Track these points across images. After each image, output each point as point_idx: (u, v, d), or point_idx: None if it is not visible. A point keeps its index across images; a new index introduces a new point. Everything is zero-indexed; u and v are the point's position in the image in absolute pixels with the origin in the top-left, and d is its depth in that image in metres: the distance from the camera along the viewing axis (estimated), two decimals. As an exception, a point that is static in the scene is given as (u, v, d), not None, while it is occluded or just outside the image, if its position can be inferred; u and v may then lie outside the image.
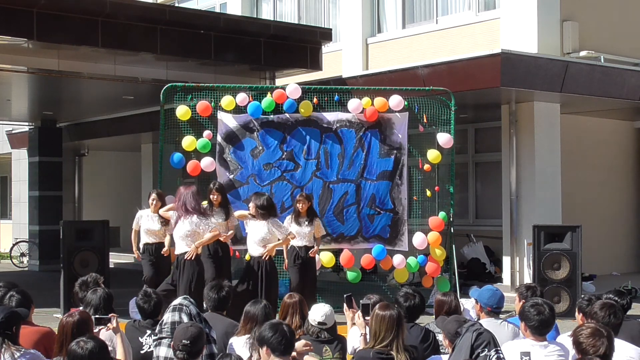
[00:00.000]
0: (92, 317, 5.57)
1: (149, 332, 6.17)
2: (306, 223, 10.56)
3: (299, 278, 10.53)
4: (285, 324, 5.10)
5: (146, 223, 10.51)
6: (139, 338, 6.19)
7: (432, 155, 11.99)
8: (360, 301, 6.03)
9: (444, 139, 12.01)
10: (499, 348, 5.09)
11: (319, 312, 5.90)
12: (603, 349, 4.65)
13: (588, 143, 15.94)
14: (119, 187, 22.64)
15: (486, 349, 5.01)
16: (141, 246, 10.56)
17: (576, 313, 6.23)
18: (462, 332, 5.17)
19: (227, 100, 11.68)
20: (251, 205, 10.02)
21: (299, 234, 10.45)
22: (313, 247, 10.66)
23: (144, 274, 10.53)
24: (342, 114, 11.96)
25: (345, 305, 6.18)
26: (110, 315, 5.79)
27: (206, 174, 11.64)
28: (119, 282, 12.16)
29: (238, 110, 11.77)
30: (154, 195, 10.61)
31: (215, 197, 10.23)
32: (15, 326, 5.19)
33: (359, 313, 5.93)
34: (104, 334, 5.69)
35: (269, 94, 11.80)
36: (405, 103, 11.97)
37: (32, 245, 19.94)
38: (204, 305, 7.06)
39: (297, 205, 10.64)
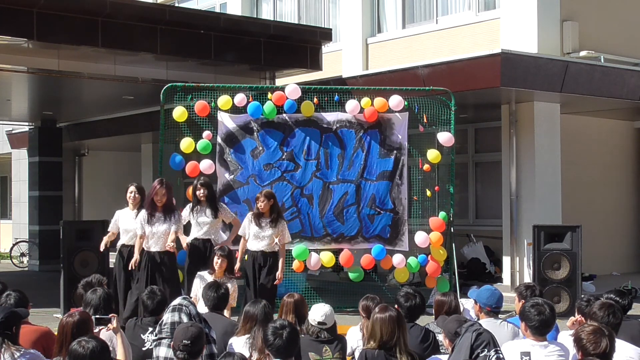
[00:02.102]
0: (92, 317, 5.57)
1: (151, 329, 6.18)
2: (268, 225, 9.63)
3: (251, 286, 9.62)
4: (289, 325, 5.07)
5: (125, 222, 9.68)
6: (141, 335, 6.21)
7: (432, 155, 11.98)
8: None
9: (445, 137, 12.00)
10: (498, 348, 5.10)
11: (318, 312, 5.90)
12: (603, 347, 4.65)
13: (588, 143, 15.94)
14: (119, 187, 22.53)
15: (486, 349, 5.01)
16: (117, 246, 9.77)
17: (575, 314, 6.23)
18: (462, 332, 5.17)
19: (223, 100, 11.62)
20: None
21: (257, 236, 9.61)
22: (274, 252, 9.66)
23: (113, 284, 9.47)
24: (342, 114, 11.95)
25: None
26: (110, 315, 5.80)
27: (206, 173, 11.62)
28: (119, 282, 12.13)
29: (236, 110, 11.75)
30: (132, 188, 9.71)
31: (202, 192, 9.86)
32: (15, 326, 5.19)
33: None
34: (104, 334, 5.70)
35: (269, 95, 11.78)
36: (405, 103, 11.96)
37: (32, 245, 19.94)
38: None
39: (257, 203, 9.66)
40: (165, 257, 9.27)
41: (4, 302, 6.11)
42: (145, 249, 9.28)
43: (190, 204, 10.16)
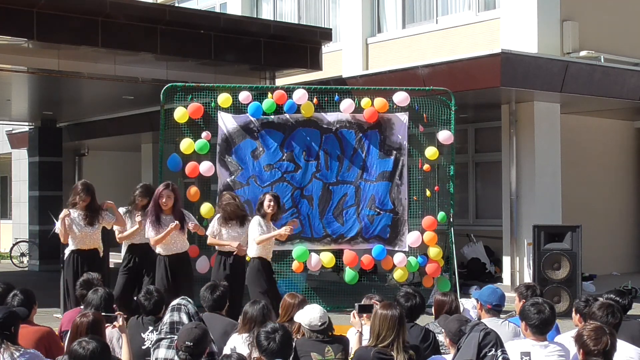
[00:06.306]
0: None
1: (151, 328, 6.19)
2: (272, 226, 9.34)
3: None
4: (282, 328, 5.08)
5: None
6: (141, 334, 6.21)
7: (430, 152, 11.97)
8: (356, 303, 6.08)
9: (444, 135, 12.01)
10: (504, 348, 5.07)
11: (315, 315, 5.80)
12: (604, 344, 4.65)
13: (588, 143, 15.94)
14: (119, 187, 22.56)
15: (493, 349, 4.99)
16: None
17: (573, 314, 6.24)
18: (467, 332, 5.15)
19: (223, 98, 11.62)
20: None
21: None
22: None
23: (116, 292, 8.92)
24: (342, 115, 11.95)
25: (355, 312, 6.08)
26: (116, 313, 5.81)
27: (205, 175, 11.61)
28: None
29: (237, 108, 11.74)
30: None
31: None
32: (13, 326, 5.19)
33: (354, 312, 5.98)
34: (109, 331, 5.72)
35: (269, 95, 11.79)
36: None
37: (32, 245, 19.94)
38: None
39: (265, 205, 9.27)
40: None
41: (10, 302, 6.11)
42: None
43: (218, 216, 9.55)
